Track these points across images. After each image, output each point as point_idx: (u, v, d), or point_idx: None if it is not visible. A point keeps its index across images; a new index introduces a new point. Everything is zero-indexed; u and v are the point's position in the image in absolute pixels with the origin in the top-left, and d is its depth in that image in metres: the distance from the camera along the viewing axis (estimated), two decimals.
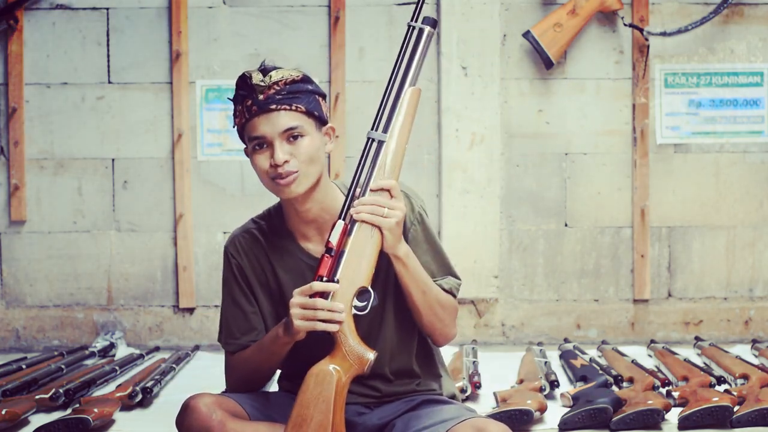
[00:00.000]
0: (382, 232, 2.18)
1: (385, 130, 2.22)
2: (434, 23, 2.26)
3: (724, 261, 4.56)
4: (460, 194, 4.47)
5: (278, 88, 2.23)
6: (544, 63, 4.45)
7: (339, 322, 2.14)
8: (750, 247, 4.56)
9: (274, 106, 2.23)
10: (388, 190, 2.19)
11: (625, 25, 4.43)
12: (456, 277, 2.41)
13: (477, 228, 4.49)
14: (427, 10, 4.49)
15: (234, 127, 2.32)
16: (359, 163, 2.21)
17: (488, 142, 4.47)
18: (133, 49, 4.52)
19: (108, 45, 4.52)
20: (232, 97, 2.31)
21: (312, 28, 4.51)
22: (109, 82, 4.53)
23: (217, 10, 4.52)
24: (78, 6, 4.51)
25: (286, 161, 2.22)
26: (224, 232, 4.53)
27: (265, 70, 2.26)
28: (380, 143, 2.21)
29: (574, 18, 4.39)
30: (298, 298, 2.16)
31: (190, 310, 4.56)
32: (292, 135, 2.24)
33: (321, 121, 2.30)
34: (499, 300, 4.54)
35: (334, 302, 2.14)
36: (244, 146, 2.33)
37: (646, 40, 4.44)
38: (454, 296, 2.38)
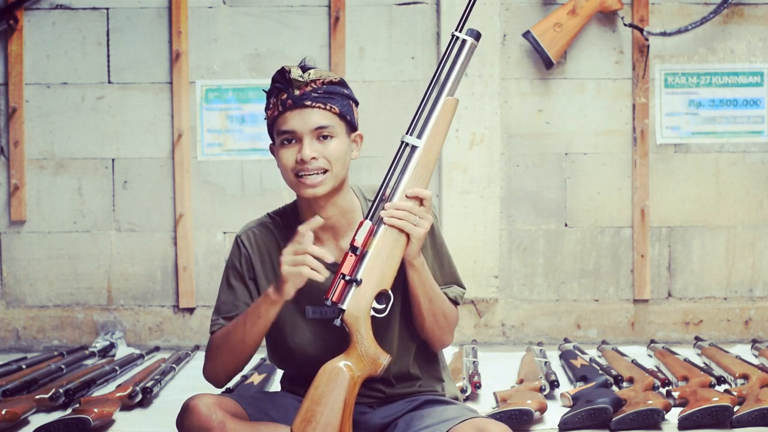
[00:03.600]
0: (409, 239, 2.18)
1: (419, 136, 2.22)
2: (478, 36, 2.26)
3: (724, 261, 4.56)
4: (460, 194, 4.48)
5: (315, 86, 2.24)
6: (544, 63, 4.45)
7: (325, 276, 2.13)
8: (750, 247, 4.56)
9: (309, 103, 2.23)
10: (421, 199, 2.19)
11: (625, 25, 4.43)
12: (461, 286, 2.42)
13: (477, 228, 4.49)
14: (427, 10, 4.50)
15: (265, 119, 2.31)
16: (391, 166, 2.21)
17: (488, 142, 4.47)
18: (133, 49, 4.52)
19: (108, 45, 4.52)
20: (266, 90, 2.30)
21: (312, 28, 4.51)
22: (109, 82, 4.53)
23: (217, 10, 4.52)
24: (78, 6, 4.51)
25: (313, 158, 2.22)
26: (224, 232, 4.53)
27: (304, 67, 2.27)
28: (413, 148, 2.22)
29: (574, 18, 4.39)
30: (290, 247, 2.16)
31: (190, 310, 4.56)
32: (322, 134, 2.24)
33: (352, 126, 2.31)
34: (499, 300, 4.54)
35: (323, 251, 2.14)
36: (270, 143, 2.32)
37: (646, 40, 4.44)
38: (458, 304, 2.39)
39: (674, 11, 4.50)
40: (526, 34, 4.42)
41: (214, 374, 2.35)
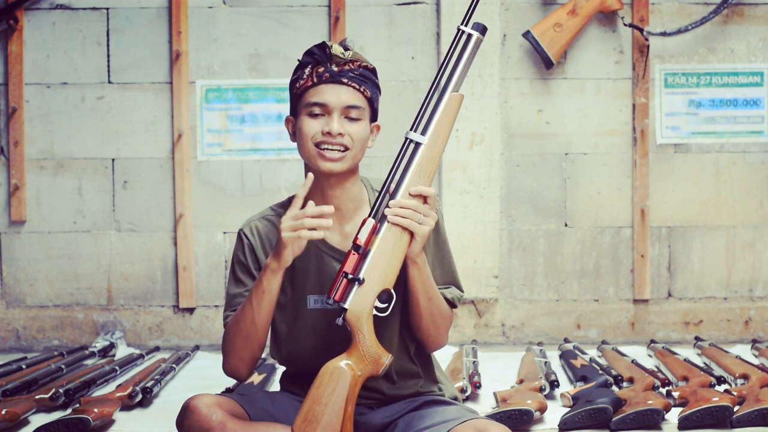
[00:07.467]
0: (412, 237, 2.17)
1: (423, 132, 2.22)
2: (484, 30, 2.25)
3: (724, 261, 4.56)
4: (460, 194, 4.48)
5: (354, 66, 2.28)
6: (544, 63, 4.45)
7: (326, 228, 2.13)
8: (750, 247, 4.56)
9: (345, 80, 2.26)
10: (425, 197, 2.18)
11: (625, 25, 4.43)
12: (460, 288, 2.41)
13: (477, 228, 4.49)
14: (427, 10, 4.50)
15: (293, 89, 2.31)
16: (395, 163, 2.21)
17: (488, 142, 4.47)
18: (133, 49, 4.52)
19: (108, 45, 4.52)
20: (300, 59, 2.31)
21: (312, 28, 4.51)
22: (109, 82, 4.53)
23: (217, 10, 4.52)
24: (78, 6, 4.51)
25: (340, 134, 2.24)
26: (224, 232, 4.53)
27: (346, 47, 2.30)
28: (417, 145, 2.21)
29: (574, 18, 4.39)
30: (288, 212, 2.16)
31: (190, 310, 4.56)
32: (351, 114, 2.26)
33: (375, 115, 2.34)
34: (499, 300, 4.54)
35: (323, 206, 2.14)
36: (287, 116, 2.33)
37: (646, 40, 4.44)
38: (455, 307, 2.38)
39: (674, 11, 4.50)
40: (526, 34, 4.42)
41: (235, 368, 2.31)
